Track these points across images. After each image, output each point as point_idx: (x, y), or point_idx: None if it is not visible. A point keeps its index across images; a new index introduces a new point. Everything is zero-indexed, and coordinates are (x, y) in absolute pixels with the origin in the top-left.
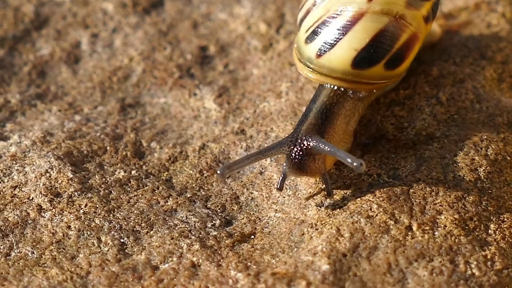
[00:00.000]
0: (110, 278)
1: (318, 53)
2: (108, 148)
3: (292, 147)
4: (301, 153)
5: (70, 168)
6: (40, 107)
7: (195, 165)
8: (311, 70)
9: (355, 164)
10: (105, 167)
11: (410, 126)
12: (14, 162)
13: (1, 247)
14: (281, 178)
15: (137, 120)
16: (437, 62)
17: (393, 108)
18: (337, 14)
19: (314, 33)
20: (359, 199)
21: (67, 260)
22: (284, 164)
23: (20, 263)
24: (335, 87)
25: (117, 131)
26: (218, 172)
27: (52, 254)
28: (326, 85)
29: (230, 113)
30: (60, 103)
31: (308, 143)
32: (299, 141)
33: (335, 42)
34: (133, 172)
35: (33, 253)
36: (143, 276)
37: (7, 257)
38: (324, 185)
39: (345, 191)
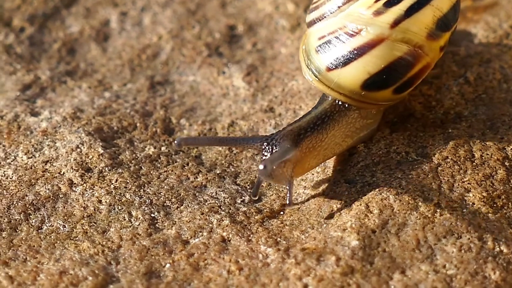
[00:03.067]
0: (141, 252)
1: (329, 67)
2: (138, 124)
3: (265, 145)
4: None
5: (100, 143)
6: (70, 83)
7: None
8: (317, 80)
9: (260, 166)
10: (135, 143)
11: (438, 105)
12: (45, 137)
13: (33, 221)
14: (256, 183)
15: (166, 97)
16: (464, 42)
17: (421, 87)
18: (355, 33)
19: (327, 44)
20: (388, 176)
21: (98, 234)
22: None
23: (52, 237)
24: (339, 102)
25: (146, 108)
26: (176, 141)
27: (84, 228)
28: (330, 97)
29: (259, 91)
30: (89, 80)
31: (275, 148)
32: (273, 141)
33: (348, 61)
34: (162, 148)
35: (65, 226)
36: (174, 250)
37: (39, 231)
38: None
39: (374, 168)
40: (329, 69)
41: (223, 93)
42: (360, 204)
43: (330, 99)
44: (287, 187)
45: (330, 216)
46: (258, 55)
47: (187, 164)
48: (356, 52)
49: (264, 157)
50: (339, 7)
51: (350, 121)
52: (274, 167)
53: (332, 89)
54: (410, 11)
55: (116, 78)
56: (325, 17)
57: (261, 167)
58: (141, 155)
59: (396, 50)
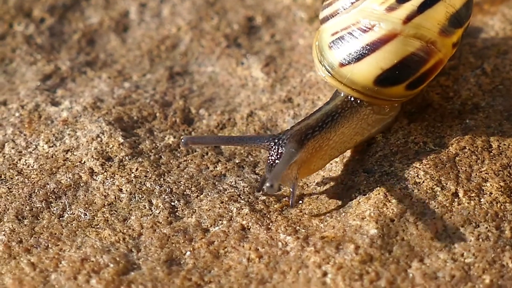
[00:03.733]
0: (161, 240)
1: (342, 63)
2: (157, 114)
3: (273, 145)
4: (276, 155)
5: (120, 133)
6: (90, 74)
7: (244, 132)
8: (330, 75)
9: (267, 184)
10: (155, 132)
11: (456, 95)
12: (65, 126)
13: (54, 209)
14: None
15: (185, 87)
16: (481, 34)
17: (439, 78)
18: (368, 28)
19: (340, 40)
20: (406, 166)
21: (119, 222)
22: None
23: (73, 224)
24: (351, 98)
25: (166, 98)
26: (182, 140)
27: (105, 216)
28: (343, 93)
29: (277, 81)
30: (109, 70)
31: (281, 148)
32: (280, 142)
33: (361, 57)
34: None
35: (86, 214)
36: (194, 238)
37: (60, 218)
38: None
39: (392, 158)
40: (342, 65)
41: (242, 83)
42: (379, 193)
43: (342, 95)
44: (291, 189)
45: (349, 205)
46: (276, 46)
47: (207, 154)
48: (369, 47)
49: (270, 159)
50: (352, 3)
51: (361, 117)
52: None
53: (345, 84)
54: (423, 7)
55: (135, 69)
56: (338, 13)
57: (268, 185)
58: (161, 145)
59: (408, 46)
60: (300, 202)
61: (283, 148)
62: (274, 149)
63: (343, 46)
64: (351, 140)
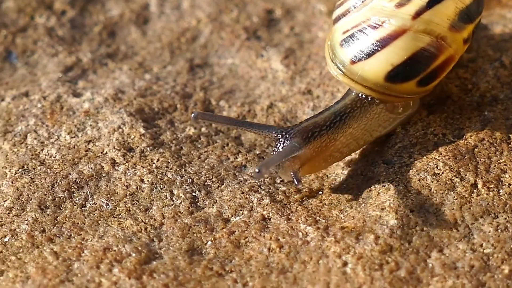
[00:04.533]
0: (183, 230)
1: (353, 60)
2: (178, 106)
3: (280, 137)
4: (281, 148)
5: (142, 124)
6: (111, 66)
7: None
8: (342, 73)
9: (256, 169)
10: (176, 124)
11: (474, 88)
12: (87, 117)
13: (77, 199)
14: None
15: (205, 79)
16: (499, 27)
17: (457, 70)
18: (378, 25)
19: (351, 38)
20: (425, 157)
21: (141, 211)
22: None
23: (95, 214)
24: (363, 95)
25: (186, 90)
26: (193, 115)
27: (126, 206)
28: (354, 92)
29: (297, 74)
30: (130, 62)
31: (287, 142)
32: (287, 135)
33: (372, 53)
34: (203, 129)
35: (108, 204)
36: (215, 228)
37: (83, 208)
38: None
39: (412, 150)
40: (353, 62)
41: (262, 75)
42: (398, 184)
43: (353, 94)
44: (292, 175)
45: (369, 195)
46: (296, 39)
47: (227, 145)
48: (379, 43)
49: (274, 150)
50: (362, 1)
51: (372, 116)
52: (276, 167)
53: (356, 82)
54: (432, 2)
55: (156, 61)
56: (349, 12)
57: (256, 170)
58: (182, 136)
59: (418, 41)
60: (320, 193)
61: (288, 142)
62: (280, 141)
63: (354, 43)
64: (358, 143)
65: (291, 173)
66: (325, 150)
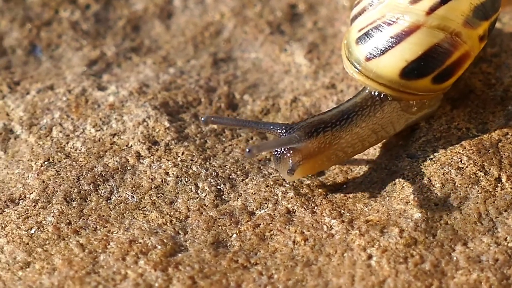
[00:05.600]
0: (208, 222)
1: (368, 57)
2: (202, 99)
3: (284, 134)
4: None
5: (166, 117)
6: (135, 59)
7: (287, 118)
8: (357, 71)
9: (247, 148)
10: (200, 117)
11: (498, 82)
12: (112, 111)
13: (102, 191)
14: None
15: (229, 73)
16: None
17: (481, 65)
18: (392, 21)
19: (366, 35)
20: (449, 151)
21: (166, 204)
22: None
23: (121, 207)
24: (375, 93)
25: (210, 84)
26: (203, 119)
27: (152, 198)
28: (367, 90)
29: (320, 68)
30: (154, 56)
31: (288, 135)
32: (290, 131)
33: (386, 49)
34: None
35: (133, 197)
36: (240, 221)
37: (108, 201)
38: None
39: (436, 144)
40: (368, 59)
41: (285, 70)
42: (422, 178)
43: (365, 92)
44: (289, 167)
45: (393, 189)
46: (319, 33)
47: (251, 138)
48: (393, 40)
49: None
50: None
51: (382, 116)
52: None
53: (371, 79)
54: None
55: (180, 55)
56: (365, 10)
57: (247, 149)
58: (206, 129)
59: (432, 37)
60: (344, 186)
61: (289, 134)
62: (283, 135)
63: (369, 40)
64: (363, 144)
65: (290, 165)
66: (329, 148)
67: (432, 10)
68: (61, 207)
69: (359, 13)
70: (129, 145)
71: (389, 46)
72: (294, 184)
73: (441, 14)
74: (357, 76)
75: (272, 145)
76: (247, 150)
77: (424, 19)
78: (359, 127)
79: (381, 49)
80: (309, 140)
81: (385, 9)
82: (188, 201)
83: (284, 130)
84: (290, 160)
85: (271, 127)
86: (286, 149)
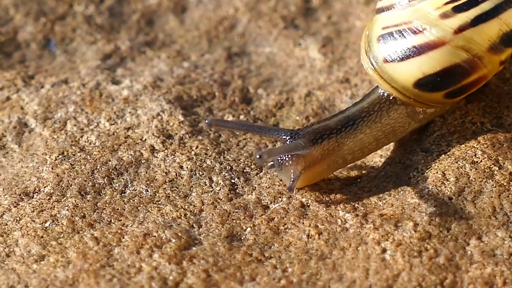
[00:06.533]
0: (222, 216)
1: (386, 58)
2: (216, 93)
3: (289, 140)
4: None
5: (180, 111)
6: (149, 53)
7: (301, 112)
8: (373, 68)
9: (257, 154)
10: (214, 111)
11: None
12: (126, 105)
13: (116, 185)
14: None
15: (243, 68)
16: None
17: None
18: (419, 31)
19: (389, 36)
20: (463, 145)
21: (180, 198)
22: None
23: (135, 200)
24: (385, 94)
25: (224, 78)
26: (207, 121)
27: (166, 192)
28: (376, 93)
29: (334, 62)
30: (168, 50)
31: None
32: (295, 137)
33: (406, 57)
34: (241, 117)
35: (147, 191)
36: (254, 214)
37: (122, 194)
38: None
39: (450, 138)
40: (385, 61)
41: (299, 64)
42: (437, 172)
43: (372, 97)
44: (291, 180)
45: (407, 183)
46: (333, 28)
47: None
48: (415, 50)
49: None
50: (409, 1)
51: (387, 122)
52: (280, 159)
53: (385, 80)
54: (477, 21)
55: (194, 49)
56: (393, 8)
57: (257, 155)
58: None
59: (454, 56)
60: (359, 180)
61: (295, 141)
62: (288, 142)
63: (390, 42)
64: (363, 151)
65: (292, 174)
66: (332, 154)
67: (460, 30)
68: (75, 201)
69: (387, 8)
70: (143, 139)
71: (409, 54)
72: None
73: (469, 36)
74: (372, 72)
75: (281, 150)
76: (258, 156)
77: (450, 37)
78: (363, 133)
79: (401, 56)
80: (314, 147)
81: (413, 14)
82: (202, 195)
83: (289, 136)
84: (293, 169)
85: (276, 133)
86: (288, 156)
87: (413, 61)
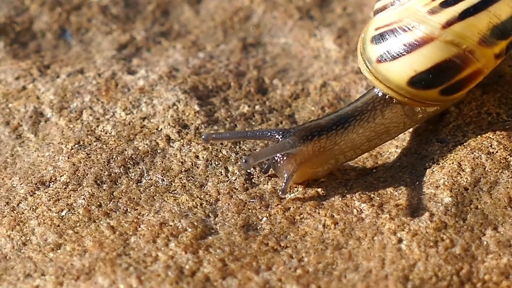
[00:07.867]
0: (238, 205)
1: (379, 59)
2: (232, 84)
3: (280, 139)
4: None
5: (196, 101)
6: (165, 44)
7: (317, 102)
8: (367, 69)
9: (243, 159)
10: (230, 101)
11: None
12: (142, 95)
13: (132, 174)
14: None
15: (258, 58)
16: None
17: (511, 51)
18: (408, 29)
19: (381, 36)
20: (479, 136)
21: (196, 187)
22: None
23: (151, 190)
24: (379, 94)
25: (240, 68)
26: (203, 137)
27: (182, 181)
28: (371, 93)
29: (350, 53)
30: (183, 40)
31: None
32: (286, 135)
33: (397, 56)
34: (256, 107)
35: (163, 180)
36: (270, 204)
37: (138, 184)
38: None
39: (466, 129)
40: (379, 61)
41: (315, 55)
42: (453, 163)
43: (367, 97)
44: (284, 180)
45: (423, 173)
46: (348, 19)
47: (281, 123)
48: (405, 48)
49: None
50: (400, 0)
51: (381, 122)
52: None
53: (380, 81)
54: (464, 14)
55: (209, 39)
56: (386, 8)
57: (243, 160)
58: (236, 113)
59: (444, 52)
60: (374, 170)
61: (284, 139)
62: (278, 140)
63: (383, 42)
64: (355, 151)
65: (285, 175)
66: (323, 153)
67: (448, 24)
68: (91, 190)
69: (381, 9)
70: (159, 129)
71: (400, 53)
72: None
73: (457, 30)
74: (367, 74)
75: (268, 152)
76: (244, 160)
77: (439, 32)
78: (356, 133)
79: (393, 55)
80: (305, 144)
81: (404, 13)
82: (218, 184)
83: (281, 136)
84: (285, 170)
85: (268, 134)
86: (280, 155)
87: (404, 59)
